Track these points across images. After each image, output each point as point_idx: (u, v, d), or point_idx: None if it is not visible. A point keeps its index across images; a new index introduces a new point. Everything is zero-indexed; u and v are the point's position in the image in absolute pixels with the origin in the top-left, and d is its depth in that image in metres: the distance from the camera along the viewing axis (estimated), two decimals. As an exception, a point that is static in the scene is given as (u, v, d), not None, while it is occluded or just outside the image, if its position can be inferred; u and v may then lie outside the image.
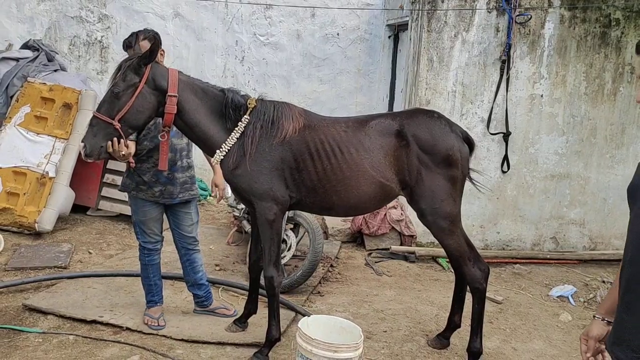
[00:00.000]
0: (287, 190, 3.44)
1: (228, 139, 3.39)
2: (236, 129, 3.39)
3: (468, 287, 3.82)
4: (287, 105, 3.54)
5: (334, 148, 3.42)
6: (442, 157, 3.47)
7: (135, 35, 3.72)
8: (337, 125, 3.54)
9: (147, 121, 3.38)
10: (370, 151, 3.44)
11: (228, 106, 3.41)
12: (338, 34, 8.14)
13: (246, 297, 4.12)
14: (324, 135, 3.45)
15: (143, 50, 3.60)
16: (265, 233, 3.47)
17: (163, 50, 3.78)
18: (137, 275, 4.63)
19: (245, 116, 3.41)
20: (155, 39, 3.28)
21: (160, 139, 3.47)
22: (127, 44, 3.70)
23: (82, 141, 3.28)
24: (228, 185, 5.66)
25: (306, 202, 3.53)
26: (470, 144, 3.66)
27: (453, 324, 4.00)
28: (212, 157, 3.46)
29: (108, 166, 6.45)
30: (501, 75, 5.95)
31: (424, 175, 3.46)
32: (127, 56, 3.40)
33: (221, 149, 3.40)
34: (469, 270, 3.65)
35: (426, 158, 3.46)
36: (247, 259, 3.77)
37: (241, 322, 4.00)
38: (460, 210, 3.64)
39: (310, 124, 3.49)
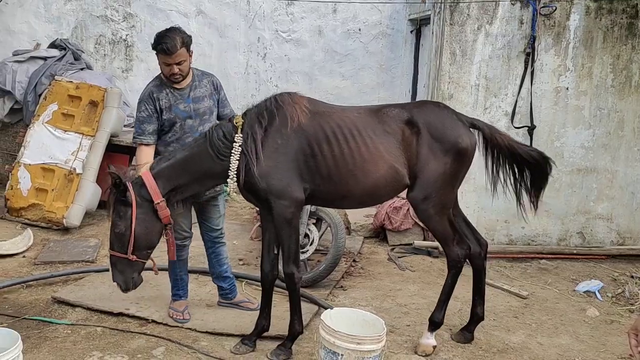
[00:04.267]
0: (302, 182, 3.40)
1: (231, 166, 3.35)
2: (233, 151, 3.36)
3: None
4: (282, 94, 3.51)
5: (352, 131, 3.41)
6: (451, 144, 3.50)
7: (172, 40, 3.56)
8: (348, 111, 3.56)
9: (160, 234, 3.46)
10: (385, 136, 3.45)
11: (213, 144, 3.38)
12: (360, 30, 8.13)
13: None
14: (340, 119, 3.44)
15: (181, 58, 3.60)
16: (283, 232, 3.44)
17: (192, 51, 3.76)
18: (162, 269, 4.69)
19: (238, 135, 3.36)
20: (114, 176, 3.27)
21: (165, 237, 3.52)
22: (165, 50, 3.55)
23: (114, 281, 3.45)
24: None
25: (321, 192, 3.48)
26: (479, 129, 3.72)
27: (476, 316, 3.99)
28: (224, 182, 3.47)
29: (134, 162, 6.52)
30: (525, 68, 5.86)
31: (431, 162, 3.47)
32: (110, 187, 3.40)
33: (231, 178, 3.37)
34: (451, 251, 3.71)
35: (436, 145, 3.47)
36: (260, 270, 3.72)
37: (251, 340, 3.71)
38: (455, 197, 3.76)
39: (319, 109, 3.49)
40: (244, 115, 3.46)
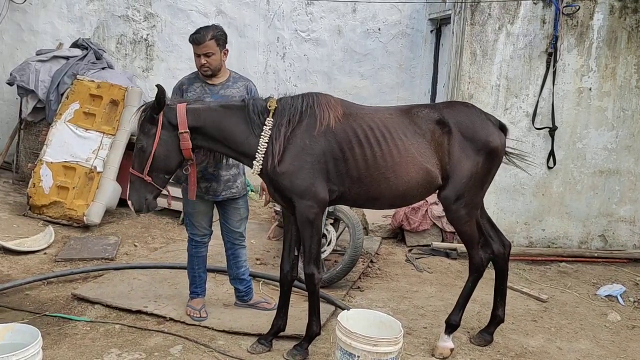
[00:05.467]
0: (329, 184, 3.38)
1: (259, 147, 3.35)
2: (262, 133, 3.35)
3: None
4: (319, 94, 3.48)
5: (384, 133, 3.38)
6: (482, 144, 3.49)
7: (203, 32, 3.70)
8: (380, 112, 3.53)
9: (178, 164, 3.44)
10: (417, 137, 3.43)
11: (250, 112, 3.39)
12: (379, 29, 8.09)
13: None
14: (372, 120, 3.41)
15: (209, 50, 3.69)
16: (305, 232, 3.43)
17: (227, 50, 3.85)
18: (180, 268, 4.74)
19: (269, 119, 3.36)
20: (161, 90, 3.28)
21: (184, 172, 3.54)
22: (194, 40, 3.70)
23: (129, 199, 3.46)
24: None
25: (350, 194, 3.46)
26: (504, 131, 3.72)
27: (497, 318, 3.97)
28: (250, 165, 3.46)
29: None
30: (547, 68, 5.80)
31: (463, 162, 3.46)
32: (144, 105, 3.47)
33: (257, 159, 3.36)
34: (476, 254, 3.74)
35: (467, 145, 3.47)
36: (279, 270, 3.72)
37: (267, 340, 3.71)
38: (482, 199, 3.76)
39: (351, 111, 3.46)
40: (279, 101, 3.44)
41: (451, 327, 3.79)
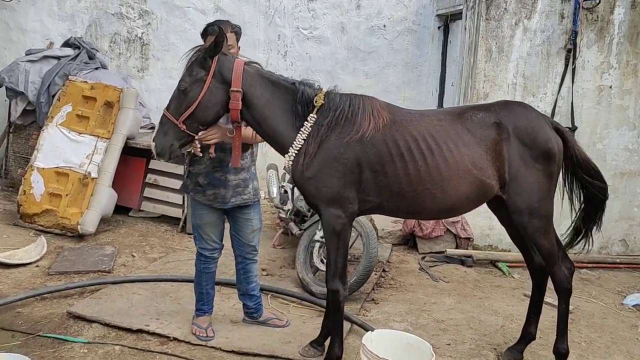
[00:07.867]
0: (362, 195, 3.13)
1: (295, 142, 3.11)
2: (302, 129, 3.10)
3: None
4: (367, 99, 3.21)
5: (430, 145, 3.09)
6: (541, 150, 3.21)
7: (224, 24, 3.44)
8: (428, 118, 3.22)
9: (216, 117, 3.17)
10: (471, 146, 3.13)
11: (297, 102, 3.13)
12: (384, 26, 7.81)
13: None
14: (417, 130, 3.12)
15: (230, 42, 3.43)
16: (331, 243, 3.19)
17: (239, 47, 3.60)
18: (182, 281, 4.46)
19: (312, 115, 3.11)
20: (221, 34, 3.03)
21: (229, 135, 3.26)
22: (210, 32, 3.42)
23: (153, 140, 3.15)
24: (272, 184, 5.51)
25: (388, 206, 3.20)
26: (563, 136, 3.40)
27: (529, 335, 3.71)
28: (282, 155, 3.22)
29: (150, 166, 6.30)
30: (566, 66, 5.58)
31: (523, 171, 3.19)
32: (196, 47, 3.18)
33: (289, 153, 3.12)
34: (559, 270, 3.44)
35: (526, 152, 3.19)
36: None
37: (319, 343, 3.56)
38: (553, 208, 3.41)
39: (396, 119, 3.16)
40: (327, 95, 3.18)
41: (562, 356, 3.54)
